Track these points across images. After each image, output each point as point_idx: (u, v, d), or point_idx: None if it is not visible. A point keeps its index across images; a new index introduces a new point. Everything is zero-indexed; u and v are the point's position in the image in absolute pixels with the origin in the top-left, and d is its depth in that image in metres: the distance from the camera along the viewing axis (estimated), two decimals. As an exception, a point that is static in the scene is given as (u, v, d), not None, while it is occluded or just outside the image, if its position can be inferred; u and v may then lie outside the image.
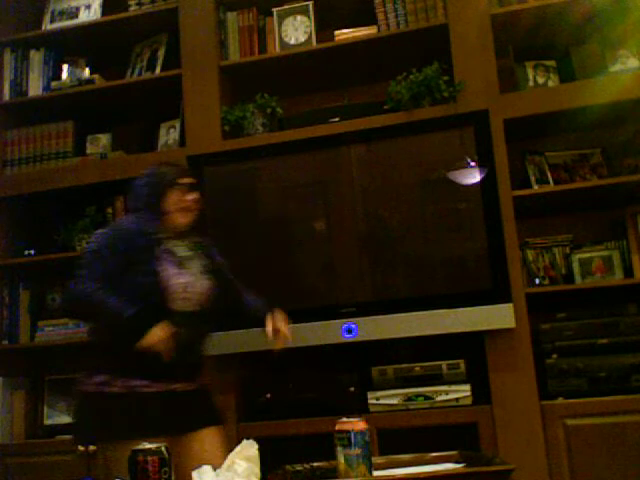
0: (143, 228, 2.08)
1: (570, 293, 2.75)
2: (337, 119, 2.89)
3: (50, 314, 3.20)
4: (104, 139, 3.29)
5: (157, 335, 1.93)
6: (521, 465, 1.59)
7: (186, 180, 2.15)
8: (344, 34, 2.99)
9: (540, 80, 2.92)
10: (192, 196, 2.14)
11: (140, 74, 3.22)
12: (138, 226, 2.09)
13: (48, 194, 3.16)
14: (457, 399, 2.62)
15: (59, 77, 3.33)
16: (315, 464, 1.61)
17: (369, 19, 2.96)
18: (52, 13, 3.37)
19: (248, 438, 1.50)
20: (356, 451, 1.43)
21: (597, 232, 2.91)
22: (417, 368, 2.70)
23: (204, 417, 2.12)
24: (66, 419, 3.08)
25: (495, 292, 2.58)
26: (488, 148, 2.66)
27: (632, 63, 2.85)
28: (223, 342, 2.75)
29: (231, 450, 1.46)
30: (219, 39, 3.08)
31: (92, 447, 2.15)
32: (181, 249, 2.14)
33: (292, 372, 2.84)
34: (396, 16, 2.93)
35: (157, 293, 2.02)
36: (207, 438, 2.08)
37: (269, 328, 2.16)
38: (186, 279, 2.08)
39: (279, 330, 2.15)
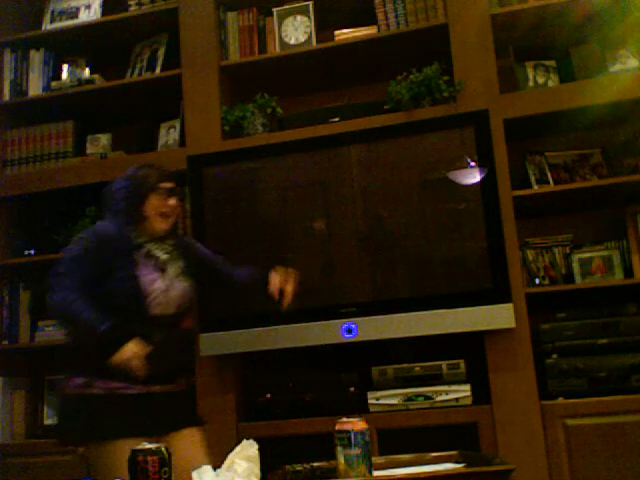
0: (123, 232, 2.07)
1: (570, 293, 2.75)
2: (337, 119, 2.89)
3: (50, 314, 3.20)
4: (104, 139, 3.29)
5: (130, 351, 1.94)
6: (521, 465, 1.59)
7: (166, 184, 2.13)
8: (344, 34, 2.99)
9: (540, 80, 2.92)
10: (172, 201, 2.12)
11: (140, 74, 3.22)
12: (118, 231, 2.08)
13: (48, 194, 3.16)
14: (457, 399, 2.62)
15: (59, 77, 3.33)
16: (315, 464, 1.61)
17: (369, 19, 2.96)
18: (52, 13, 3.37)
19: (248, 438, 1.50)
20: (356, 451, 1.43)
21: (597, 232, 2.91)
22: (417, 368, 2.70)
23: (184, 418, 2.13)
24: (66, 419, 3.08)
25: (495, 292, 2.58)
26: (488, 148, 2.66)
27: (632, 63, 2.85)
28: (223, 342, 2.75)
29: (231, 450, 1.46)
30: (219, 39, 3.08)
31: (81, 448, 2.16)
32: (160, 252, 2.13)
33: (292, 372, 2.84)
34: (396, 16, 2.93)
35: (136, 299, 2.02)
36: (188, 438, 2.08)
37: (273, 287, 2.16)
38: (166, 283, 2.09)
39: (283, 289, 2.16)
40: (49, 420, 3.16)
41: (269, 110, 2.99)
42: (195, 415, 2.21)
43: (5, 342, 3.13)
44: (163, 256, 2.13)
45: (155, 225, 2.11)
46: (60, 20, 3.34)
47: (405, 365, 2.71)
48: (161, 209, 2.11)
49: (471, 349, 2.69)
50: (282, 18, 3.05)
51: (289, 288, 2.18)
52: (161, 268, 2.10)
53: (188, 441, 2.06)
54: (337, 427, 1.46)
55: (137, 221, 2.10)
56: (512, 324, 2.55)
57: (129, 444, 1.81)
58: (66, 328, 2.17)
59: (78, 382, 2.02)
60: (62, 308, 2.00)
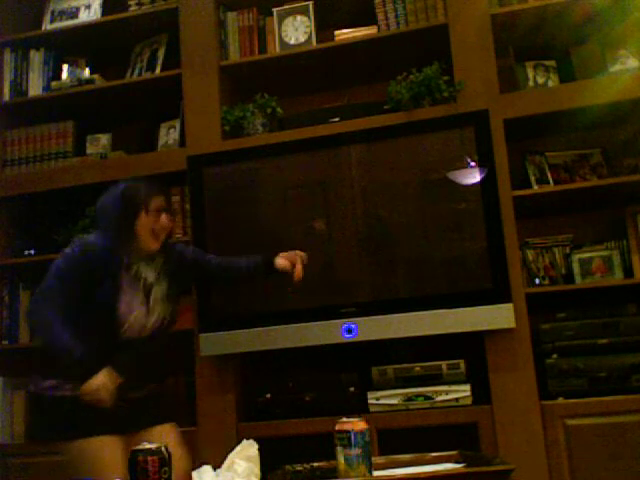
0: (112, 250, 2.06)
1: (570, 293, 2.75)
2: (337, 119, 2.89)
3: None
4: (104, 139, 3.29)
5: (99, 382, 1.93)
6: (521, 465, 1.59)
7: (159, 202, 2.10)
8: (344, 34, 2.99)
9: (540, 80, 2.92)
10: (164, 219, 2.10)
11: (140, 74, 3.22)
12: (106, 247, 2.06)
13: (48, 194, 3.16)
14: (457, 399, 2.62)
15: (59, 77, 3.33)
16: (315, 464, 1.61)
17: (369, 19, 2.96)
18: (52, 13, 3.37)
19: (248, 438, 1.50)
20: (356, 451, 1.43)
21: (597, 232, 2.90)
22: (417, 368, 2.70)
23: (155, 415, 2.14)
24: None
25: (495, 292, 2.58)
26: (488, 148, 2.66)
27: (632, 63, 2.85)
28: (223, 342, 2.75)
29: (231, 450, 1.47)
30: (219, 39, 3.08)
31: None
32: (149, 272, 2.12)
33: (292, 372, 2.84)
34: (396, 16, 2.93)
35: (111, 325, 2.02)
36: (160, 434, 2.08)
37: (283, 263, 2.18)
38: (147, 307, 2.09)
39: (294, 264, 2.18)
40: (49, 420, 3.15)
41: (269, 110, 2.99)
42: (166, 412, 2.21)
43: (5, 342, 3.13)
44: (150, 277, 2.12)
45: (145, 244, 2.09)
46: (60, 20, 3.34)
47: (405, 365, 2.71)
48: (152, 228, 2.08)
49: (471, 349, 2.69)
50: (282, 18, 3.05)
51: (299, 265, 2.19)
52: (146, 291, 2.10)
53: (160, 436, 2.05)
54: (337, 427, 1.46)
55: (127, 239, 2.07)
56: (512, 324, 2.55)
57: (101, 441, 1.84)
58: (42, 343, 2.14)
59: (48, 384, 2.04)
60: (40, 326, 2.03)
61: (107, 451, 1.94)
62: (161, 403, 2.21)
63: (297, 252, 2.23)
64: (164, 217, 2.10)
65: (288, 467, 1.61)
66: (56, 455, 2.84)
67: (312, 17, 3.02)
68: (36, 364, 2.13)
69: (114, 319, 2.01)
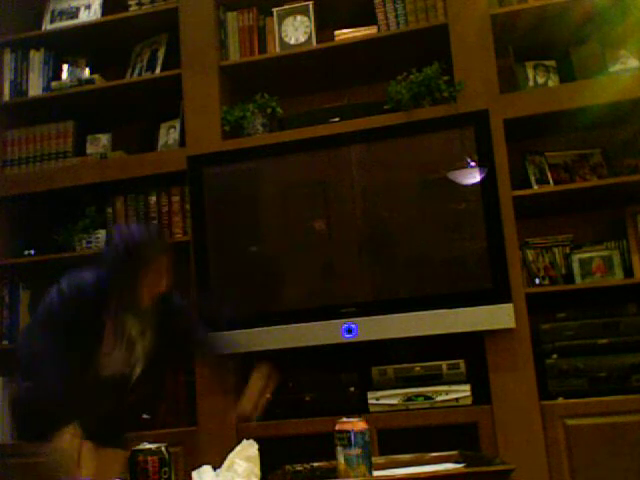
0: (105, 292, 2.06)
1: (570, 293, 2.75)
2: (337, 119, 2.89)
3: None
4: (104, 139, 3.29)
5: (65, 443, 1.91)
6: (521, 465, 1.59)
7: (163, 262, 2.08)
8: (344, 34, 2.99)
9: (540, 80, 2.92)
10: (164, 283, 2.09)
11: (140, 74, 3.22)
12: (101, 289, 2.05)
13: (48, 194, 3.16)
14: (457, 399, 2.62)
15: (59, 77, 3.33)
16: (315, 464, 1.61)
17: (369, 19, 2.96)
18: (52, 13, 3.37)
19: (248, 438, 1.50)
20: (356, 451, 1.43)
21: (597, 232, 2.91)
22: (417, 368, 2.70)
23: (112, 439, 2.14)
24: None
25: (495, 292, 2.58)
26: (488, 148, 2.66)
27: (632, 63, 2.85)
28: (223, 342, 2.75)
29: (231, 450, 1.47)
30: (219, 39, 3.08)
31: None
32: (135, 325, 2.12)
33: (292, 372, 2.84)
34: (396, 16, 2.93)
35: (92, 367, 2.04)
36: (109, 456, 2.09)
37: (249, 400, 2.12)
38: (127, 362, 2.10)
39: (259, 401, 2.11)
40: (49, 420, 3.15)
41: (269, 110, 2.99)
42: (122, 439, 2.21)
43: (5, 342, 3.13)
44: (134, 331, 2.12)
45: (142, 298, 2.09)
46: (60, 20, 3.34)
47: (405, 365, 2.71)
48: (153, 286, 2.08)
49: (471, 349, 2.69)
50: (282, 18, 3.05)
51: (263, 400, 2.13)
52: (129, 344, 2.11)
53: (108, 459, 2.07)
54: (337, 427, 1.46)
55: (124, 289, 2.07)
56: (512, 324, 2.55)
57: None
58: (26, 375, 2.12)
59: (24, 386, 2.06)
60: (28, 361, 2.03)
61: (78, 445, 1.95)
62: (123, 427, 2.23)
63: (271, 376, 2.18)
64: (164, 280, 2.11)
65: (288, 467, 1.61)
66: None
67: (312, 17, 3.02)
68: (15, 366, 2.16)
69: (91, 366, 2.04)
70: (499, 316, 2.56)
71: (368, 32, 2.96)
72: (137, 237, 2.08)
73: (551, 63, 2.94)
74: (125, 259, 2.05)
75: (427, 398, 2.64)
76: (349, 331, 2.65)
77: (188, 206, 2.98)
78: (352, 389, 2.74)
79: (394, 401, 2.66)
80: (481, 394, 2.63)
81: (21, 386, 2.08)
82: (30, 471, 2.07)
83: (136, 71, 3.25)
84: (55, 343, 2.00)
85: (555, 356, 2.62)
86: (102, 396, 2.05)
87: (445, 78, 2.78)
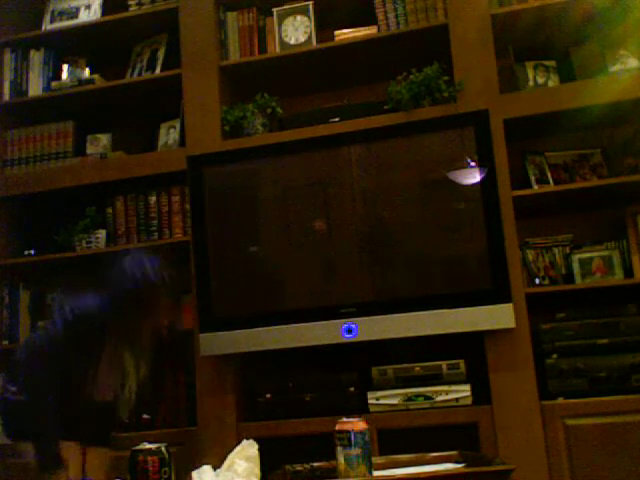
0: (107, 319, 2.08)
1: (570, 293, 2.75)
2: (337, 119, 2.89)
3: (50, 314, 3.20)
4: (104, 139, 3.29)
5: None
6: (521, 465, 1.59)
7: (167, 305, 2.12)
8: (344, 34, 2.99)
9: (540, 80, 2.92)
10: (166, 322, 2.13)
11: (140, 74, 3.22)
12: (103, 315, 2.07)
13: (48, 194, 3.16)
14: (457, 399, 2.62)
15: (59, 77, 3.33)
16: (315, 464, 1.61)
17: (369, 19, 2.96)
18: (52, 13, 3.37)
19: (248, 438, 1.50)
20: (356, 451, 1.43)
21: (597, 232, 2.90)
22: (417, 368, 2.70)
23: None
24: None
25: (495, 292, 2.57)
26: (488, 148, 2.66)
27: (632, 63, 2.85)
28: (223, 342, 2.75)
29: (231, 450, 1.47)
30: (219, 39, 3.08)
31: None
32: (129, 361, 2.15)
33: (292, 372, 2.84)
34: (396, 16, 2.93)
35: (84, 389, 2.07)
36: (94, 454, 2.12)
37: None
38: (121, 389, 2.14)
39: None
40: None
41: (269, 110, 2.99)
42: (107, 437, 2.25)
43: (5, 342, 3.13)
44: (129, 365, 2.15)
45: (140, 334, 2.13)
46: (60, 20, 3.34)
47: (405, 365, 2.71)
48: (152, 327, 2.12)
49: (471, 349, 2.69)
50: (282, 18, 3.05)
51: None
52: (122, 375, 2.14)
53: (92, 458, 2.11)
54: (337, 427, 1.46)
55: (127, 322, 2.10)
56: (512, 324, 2.55)
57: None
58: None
59: (11, 388, 2.08)
60: (25, 372, 2.06)
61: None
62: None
63: None
64: (165, 321, 2.12)
65: (288, 467, 1.61)
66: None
67: (312, 17, 3.02)
68: (3, 367, 2.17)
69: (83, 388, 2.05)
70: (499, 316, 2.56)
71: (368, 32, 2.96)
72: (146, 277, 2.08)
73: (551, 63, 2.94)
74: (130, 300, 2.08)
75: (427, 398, 2.64)
76: (349, 331, 2.65)
77: (188, 206, 2.98)
78: (352, 389, 2.74)
79: (394, 401, 2.66)
80: (481, 394, 2.63)
81: (9, 388, 2.10)
82: (29, 472, 2.08)
83: (136, 71, 3.25)
84: (52, 363, 2.02)
85: (555, 356, 2.62)
86: (87, 417, 2.08)
87: (445, 78, 2.78)
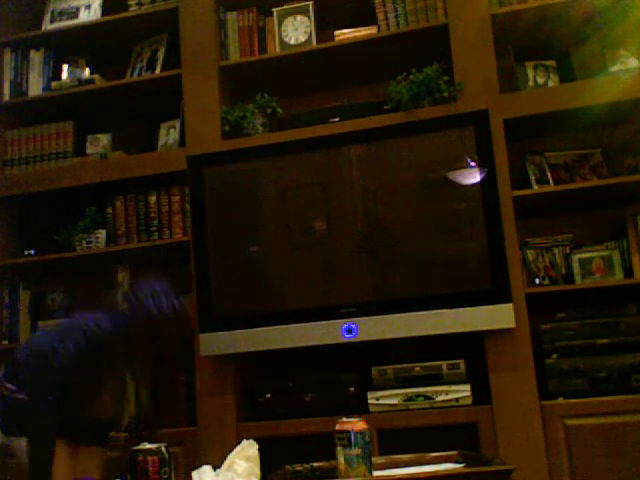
0: (117, 341, 2.07)
1: (570, 293, 2.75)
2: (337, 119, 2.89)
3: (50, 314, 3.20)
4: (104, 139, 3.29)
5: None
6: (521, 465, 1.59)
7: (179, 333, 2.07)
8: (344, 34, 2.99)
9: (540, 80, 2.92)
10: (174, 346, 2.11)
11: (140, 74, 3.22)
12: (114, 336, 2.06)
13: (48, 194, 3.16)
14: (457, 399, 2.62)
15: (59, 77, 3.33)
16: (315, 464, 1.61)
17: (369, 19, 2.96)
18: (52, 13, 3.37)
19: (248, 438, 1.50)
20: (356, 451, 1.43)
21: (597, 232, 2.90)
22: (417, 368, 2.70)
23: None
24: (66, 419, 3.08)
25: (495, 292, 2.57)
26: (488, 148, 2.66)
27: (632, 63, 2.85)
28: (223, 342, 2.75)
29: (231, 450, 1.46)
30: (219, 39, 3.08)
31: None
32: (130, 386, 2.16)
33: (292, 372, 2.84)
34: (396, 16, 2.93)
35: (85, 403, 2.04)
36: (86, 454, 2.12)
37: None
38: (113, 411, 2.13)
39: None
40: (49, 420, 3.15)
41: (269, 110, 2.99)
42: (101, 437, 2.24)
43: (5, 342, 3.13)
44: (130, 382, 2.15)
45: (146, 363, 2.10)
46: (60, 20, 3.34)
47: (405, 365, 2.71)
48: (160, 357, 2.09)
49: (471, 349, 2.69)
50: (282, 18, 3.05)
51: None
52: (122, 392, 2.14)
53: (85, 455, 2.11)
54: (337, 427, 1.46)
55: (134, 349, 2.06)
56: (512, 324, 2.55)
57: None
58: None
59: (9, 387, 2.06)
60: (28, 374, 2.04)
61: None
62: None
63: None
64: (173, 347, 2.12)
65: (288, 467, 1.61)
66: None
67: (312, 17, 3.02)
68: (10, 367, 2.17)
69: (84, 402, 2.05)
70: (499, 316, 2.56)
71: (368, 32, 2.96)
72: (162, 311, 1.95)
73: (551, 63, 2.94)
74: (141, 331, 2.04)
75: (427, 398, 2.64)
76: (349, 331, 2.65)
77: (188, 206, 2.97)
78: (352, 389, 2.74)
79: (394, 401, 2.66)
80: (481, 394, 2.62)
81: (4, 385, 2.10)
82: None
83: (136, 71, 3.25)
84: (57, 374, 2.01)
85: (555, 356, 2.62)
86: (85, 431, 2.08)
87: (445, 78, 2.78)
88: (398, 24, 2.92)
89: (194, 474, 1.39)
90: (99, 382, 2.05)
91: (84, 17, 3.30)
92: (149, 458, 1.29)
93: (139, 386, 2.18)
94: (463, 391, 2.62)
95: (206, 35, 3.05)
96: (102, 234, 3.11)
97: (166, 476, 1.29)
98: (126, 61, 3.30)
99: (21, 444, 2.02)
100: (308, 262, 2.85)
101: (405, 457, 1.64)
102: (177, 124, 3.17)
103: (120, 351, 2.06)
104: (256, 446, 1.47)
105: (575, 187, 2.77)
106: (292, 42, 3.02)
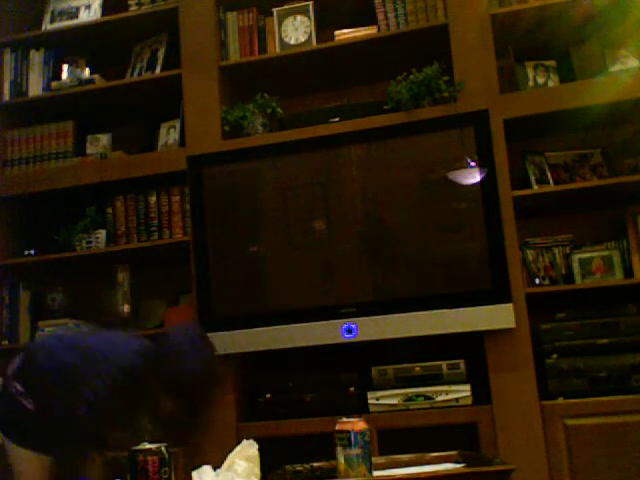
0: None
1: (570, 293, 2.75)
2: (337, 119, 2.89)
3: (50, 314, 3.20)
4: (104, 139, 3.29)
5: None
6: (521, 465, 1.59)
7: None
8: (344, 34, 2.99)
9: (540, 80, 2.92)
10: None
11: (140, 74, 3.22)
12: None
13: (48, 194, 3.16)
14: (457, 399, 2.62)
15: (59, 77, 3.32)
16: (315, 464, 1.61)
17: (369, 19, 2.96)
18: (52, 13, 3.37)
19: (248, 438, 1.50)
20: (356, 451, 1.43)
21: (597, 232, 2.90)
22: (417, 368, 2.70)
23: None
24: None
25: (495, 292, 2.58)
26: (488, 148, 2.66)
27: (632, 63, 2.85)
28: (223, 342, 2.75)
29: (231, 450, 1.47)
30: (219, 39, 3.08)
31: None
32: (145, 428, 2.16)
33: (292, 372, 2.84)
34: (396, 16, 2.93)
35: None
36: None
37: None
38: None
39: None
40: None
41: (269, 110, 2.99)
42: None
43: (5, 342, 3.13)
44: (146, 432, 2.16)
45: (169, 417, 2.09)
46: (60, 20, 3.34)
47: (405, 365, 2.71)
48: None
49: (471, 349, 2.69)
50: (282, 18, 3.05)
51: None
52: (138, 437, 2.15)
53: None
54: (337, 427, 1.46)
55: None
56: (512, 324, 2.55)
57: None
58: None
59: (19, 388, 2.06)
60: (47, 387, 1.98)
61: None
62: None
63: None
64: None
65: (288, 467, 1.61)
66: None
67: (312, 17, 3.02)
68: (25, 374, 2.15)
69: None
70: (499, 316, 2.56)
71: (368, 32, 2.96)
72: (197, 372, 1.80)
73: (551, 63, 2.94)
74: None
75: (427, 398, 2.64)
76: (349, 331, 2.65)
77: (188, 206, 2.97)
78: (352, 389, 2.74)
79: (394, 401, 2.66)
80: (481, 394, 2.63)
81: (15, 388, 2.07)
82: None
83: (136, 71, 3.25)
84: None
85: (555, 356, 2.62)
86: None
87: (445, 78, 2.78)
88: (398, 24, 2.92)
89: (194, 474, 1.39)
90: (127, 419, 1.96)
91: (84, 17, 3.30)
92: (149, 458, 1.29)
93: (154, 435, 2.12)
94: (463, 391, 2.62)
95: (206, 35, 3.05)
96: (102, 234, 3.11)
97: (166, 476, 1.29)
98: (126, 61, 3.30)
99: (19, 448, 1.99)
100: (308, 262, 2.85)
101: (405, 457, 1.64)
102: (177, 124, 3.17)
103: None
104: (256, 446, 1.47)
105: (575, 187, 2.77)
106: (292, 42, 3.02)
